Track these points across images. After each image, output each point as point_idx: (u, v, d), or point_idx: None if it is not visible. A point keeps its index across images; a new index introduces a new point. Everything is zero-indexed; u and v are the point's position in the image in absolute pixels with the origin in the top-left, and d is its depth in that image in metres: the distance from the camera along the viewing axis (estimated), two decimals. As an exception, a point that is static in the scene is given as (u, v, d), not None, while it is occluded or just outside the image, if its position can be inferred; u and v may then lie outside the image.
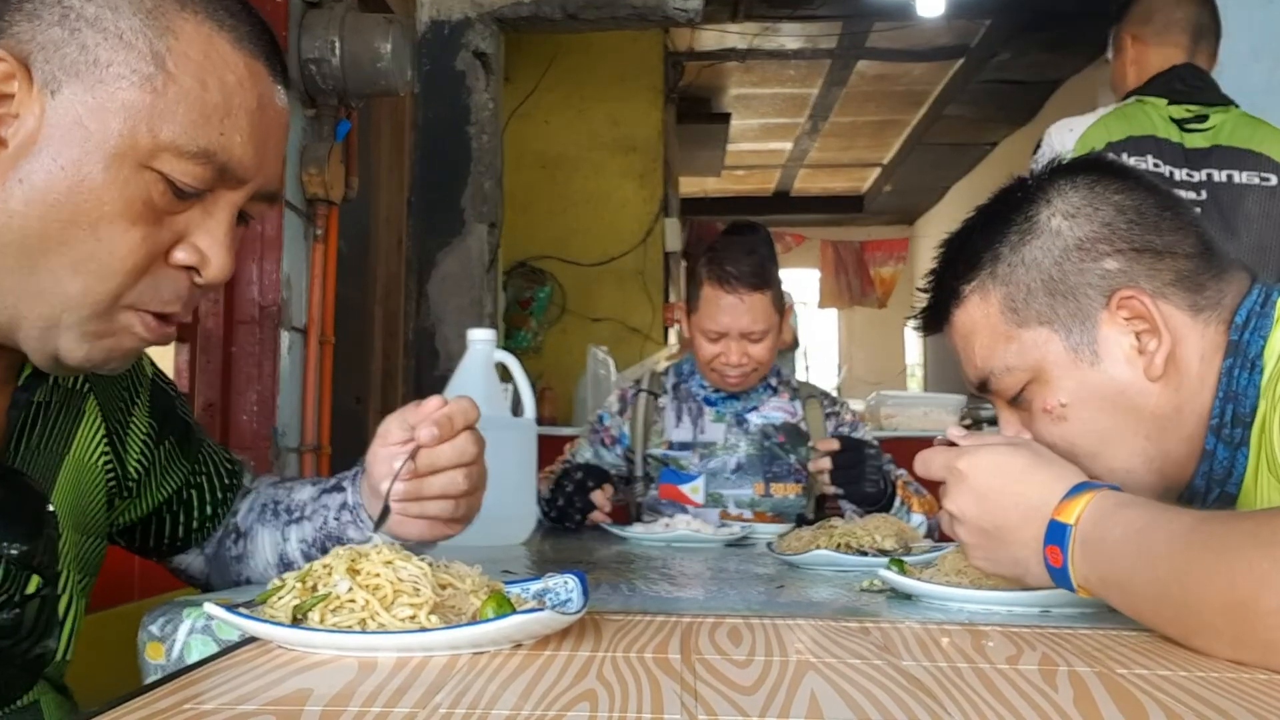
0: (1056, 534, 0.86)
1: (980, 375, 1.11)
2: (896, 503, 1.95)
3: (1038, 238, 1.06)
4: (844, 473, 1.90)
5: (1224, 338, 1.02)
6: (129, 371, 1.08)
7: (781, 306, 2.22)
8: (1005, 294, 1.07)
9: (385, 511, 1.01)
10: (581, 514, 1.92)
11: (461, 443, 1.02)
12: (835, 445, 1.91)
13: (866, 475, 1.89)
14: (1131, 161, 2.30)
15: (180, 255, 0.86)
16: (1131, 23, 2.48)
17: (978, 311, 1.10)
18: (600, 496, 1.93)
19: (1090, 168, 1.09)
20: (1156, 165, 2.34)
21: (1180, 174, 2.34)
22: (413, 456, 1.00)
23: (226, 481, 1.19)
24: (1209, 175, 2.32)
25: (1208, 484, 1.04)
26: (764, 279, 2.16)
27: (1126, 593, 0.82)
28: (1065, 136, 2.46)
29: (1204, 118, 2.36)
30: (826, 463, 1.90)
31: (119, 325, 0.86)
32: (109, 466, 1.03)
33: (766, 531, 1.80)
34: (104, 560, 1.04)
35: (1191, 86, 2.38)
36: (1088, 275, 1.04)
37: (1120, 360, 1.03)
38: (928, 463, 1.00)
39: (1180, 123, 2.36)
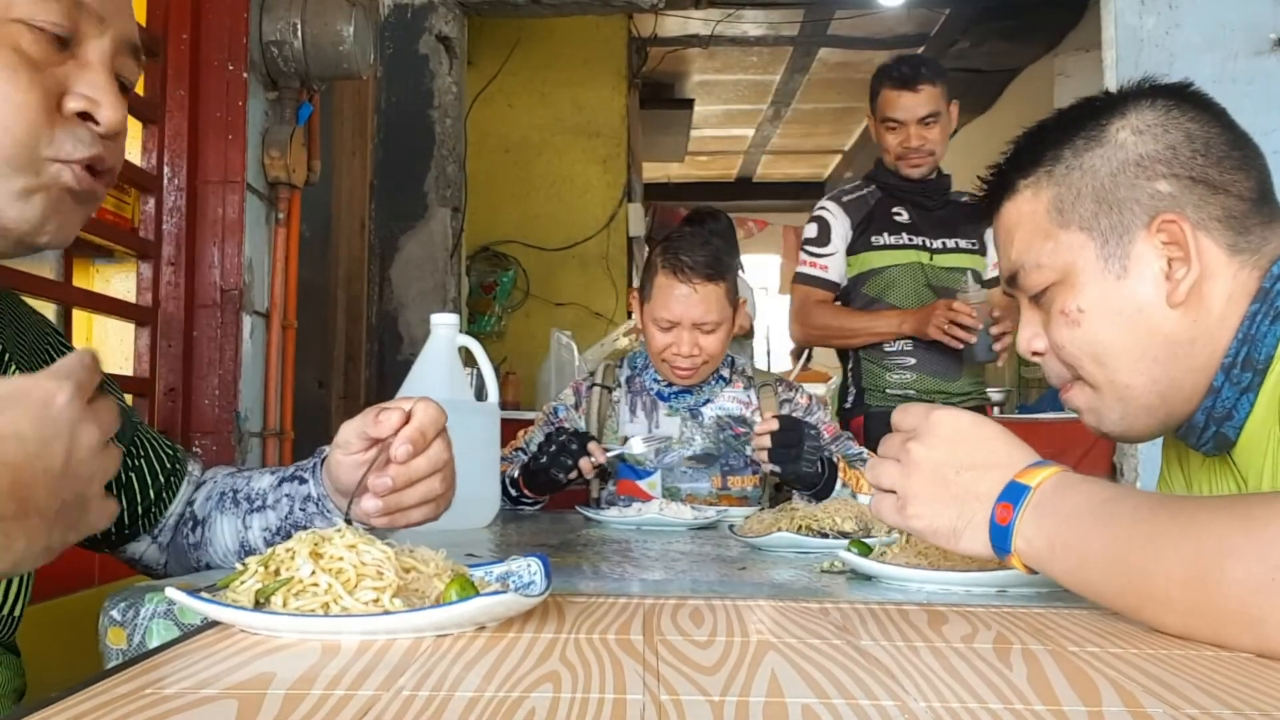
0: (1014, 492, 0.87)
1: (1012, 268, 1.12)
2: (839, 485, 1.96)
3: (1101, 146, 1.07)
4: (782, 451, 1.92)
5: (1256, 284, 1.03)
6: (51, 343, 1.07)
7: (736, 299, 2.22)
8: (1056, 194, 1.08)
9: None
10: (574, 460, 1.96)
11: (435, 451, 1.02)
12: (775, 425, 1.94)
13: (804, 455, 1.92)
14: None
15: (71, 104, 0.92)
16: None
17: (1026, 206, 1.11)
18: (596, 447, 1.98)
19: (1174, 93, 1.09)
20: None
21: None
22: (377, 470, 1.00)
23: (168, 466, 1.18)
24: None
25: (1206, 420, 1.05)
26: (719, 270, 2.16)
27: (1077, 557, 0.82)
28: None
29: None
30: (766, 440, 1.93)
31: (48, 178, 0.91)
32: None
33: (738, 515, 1.80)
34: None
35: None
36: (1138, 192, 1.05)
37: (1147, 280, 1.03)
38: (906, 412, 1.00)
39: None
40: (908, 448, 0.95)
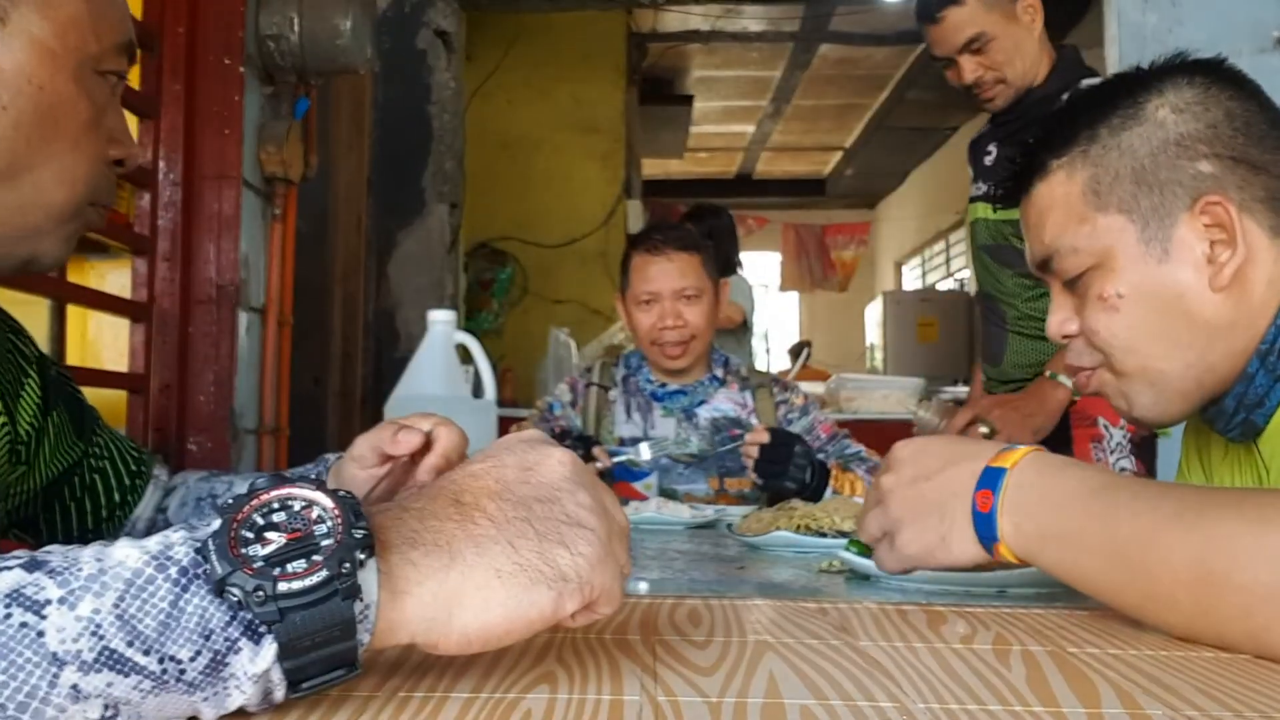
0: (990, 478, 0.83)
1: (1045, 253, 1.10)
2: (828, 493, 1.95)
3: (1140, 125, 1.04)
4: (767, 465, 1.93)
5: None
6: (20, 342, 1.08)
7: (715, 276, 2.23)
8: (1092, 175, 1.06)
9: None
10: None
11: None
12: (765, 438, 1.95)
13: (789, 472, 1.92)
14: None
15: (114, 152, 0.95)
16: None
17: (1060, 188, 1.08)
18: (600, 451, 1.98)
19: (1210, 69, 1.07)
20: None
21: None
22: (393, 486, 1.01)
23: (134, 468, 1.17)
24: None
25: (1237, 406, 1.03)
26: (691, 242, 2.21)
27: (1071, 549, 0.79)
28: None
29: None
30: (754, 450, 1.94)
31: (84, 221, 0.94)
32: (3, 421, 1.02)
33: (736, 514, 1.80)
34: (4, 522, 1.04)
35: None
36: (1179, 173, 1.02)
37: (1188, 264, 1.01)
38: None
39: None
40: (879, 483, 0.92)
